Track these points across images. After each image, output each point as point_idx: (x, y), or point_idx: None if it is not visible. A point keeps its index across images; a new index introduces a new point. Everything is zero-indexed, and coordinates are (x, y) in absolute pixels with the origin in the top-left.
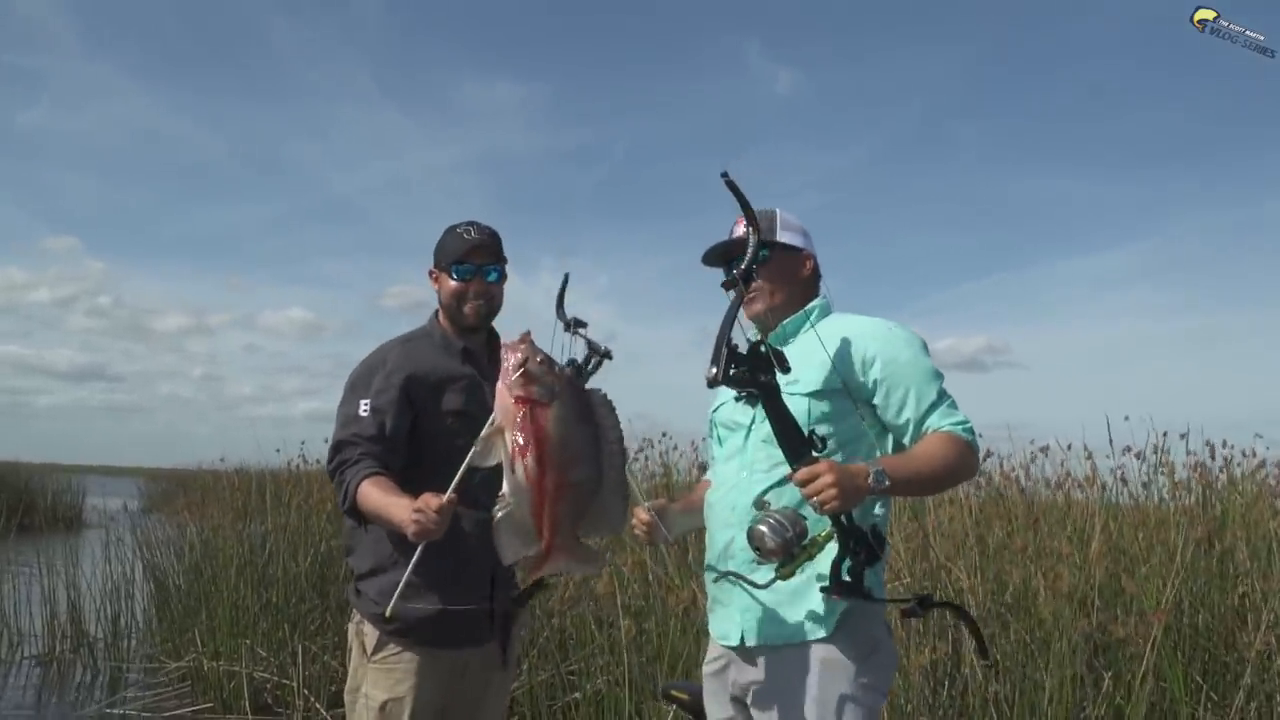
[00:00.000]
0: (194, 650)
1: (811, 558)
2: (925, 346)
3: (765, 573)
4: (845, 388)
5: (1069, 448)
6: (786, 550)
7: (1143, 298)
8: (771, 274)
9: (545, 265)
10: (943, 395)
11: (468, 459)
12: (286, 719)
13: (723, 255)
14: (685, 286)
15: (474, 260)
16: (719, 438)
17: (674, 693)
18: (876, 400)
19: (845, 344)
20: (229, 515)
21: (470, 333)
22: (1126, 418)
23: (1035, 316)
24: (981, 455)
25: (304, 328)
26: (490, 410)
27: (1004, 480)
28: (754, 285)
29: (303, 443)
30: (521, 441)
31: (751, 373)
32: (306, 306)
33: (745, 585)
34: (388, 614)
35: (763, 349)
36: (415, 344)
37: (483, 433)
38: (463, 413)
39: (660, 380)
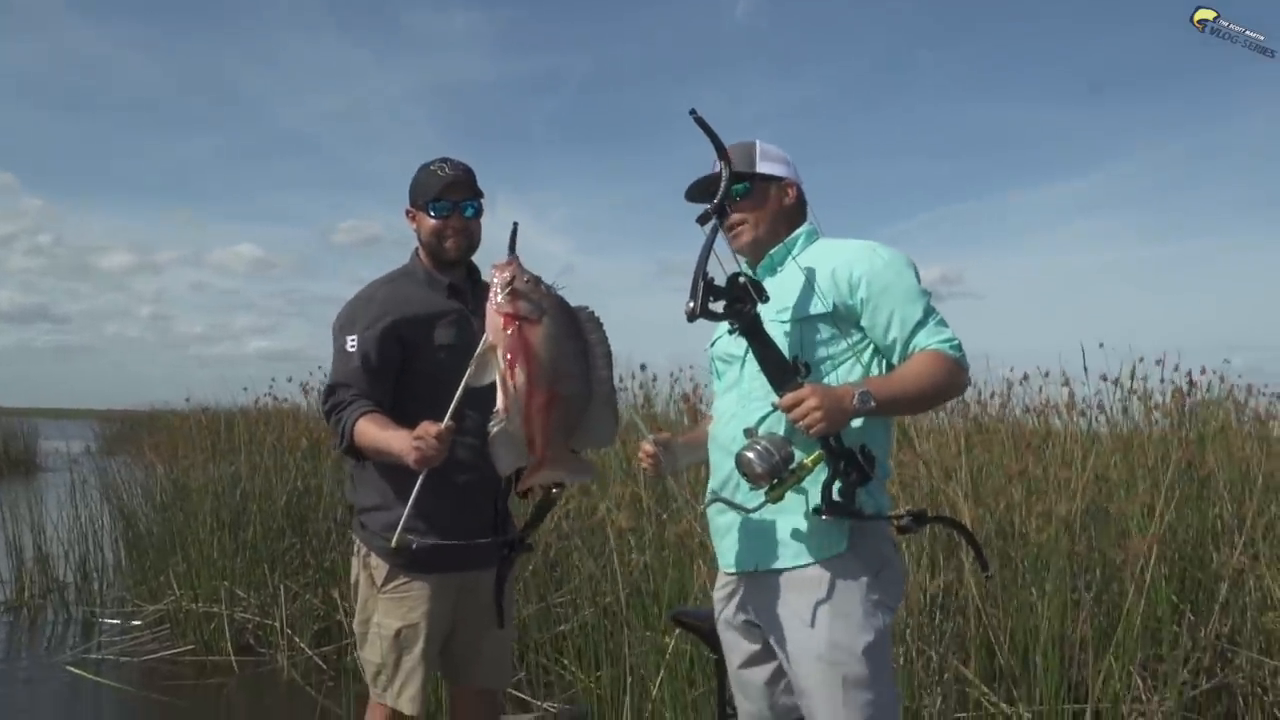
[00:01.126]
0: (171, 593)
1: (800, 480)
2: (911, 266)
3: (756, 497)
4: (834, 312)
5: (1046, 375)
6: (774, 474)
7: (1101, 226)
8: (754, 205)
9: (501, 199)
10: (929, 313)
11: (464, 379)
12: (270, 659)
13: (705, 190)
14: (644, 218)
15: (450, 197)
16: (717, 371)
17: (684, 619)
18: (864, 322)
19: (831, 268)
20: (200, 455)
21: (451, 268)
22: (1101, 345)
23: (992, 246)
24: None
25: (254, 264)
26: (479, 343)
27: (980, 409)
28: (737, 218)
29: (273, 380)
30: (511, 358)
31: (731, 304)
32: (256, 242)
33: (738, 509)
34: (394, 544)
35: (740, 279)
36: (400, 283)
37: (476, 351)
38: (453, 347)
39: (622, 314)
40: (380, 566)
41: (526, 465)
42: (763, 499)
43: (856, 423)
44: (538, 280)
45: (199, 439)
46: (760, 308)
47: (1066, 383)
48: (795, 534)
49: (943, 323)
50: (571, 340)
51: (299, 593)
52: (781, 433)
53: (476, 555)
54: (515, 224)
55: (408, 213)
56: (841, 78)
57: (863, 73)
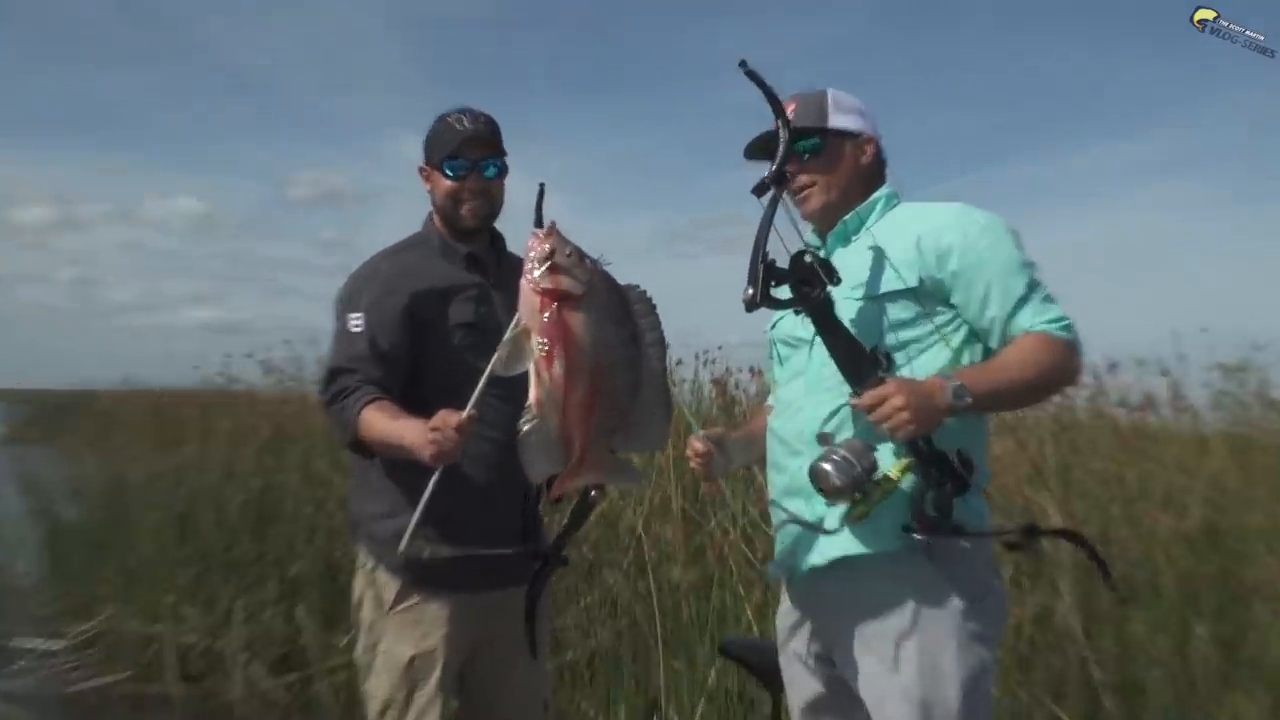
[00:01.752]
0: (102, 610)
1: (887, 494)
2: (1012, 232)
3: (834, 516)
4: (919, 288)
5: (1141, 364)
6: (856, 488)
7: (1182, 190)
8: (825, 165)
9: None
10: (1033, 288)
11: (489, 366)
12: (222, 689)
13: (768, 147)
14: (648, 174)
15: (469, 154)
16: (779, 356)
17: (737, 649)
18: (955, 299)
19: (915, 236)
20: (140, 445)
21: (470, 236)
22: (1204, 329)
23: (1054, 210)
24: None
25: (195, 221)
26: (502, 321)
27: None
28: (805, 179)
29: (227, 356)
30: (548, 344)
31: (796, 288)
32: (198, 195)
33: (810, 528)
34: (401, 549)
35: (806, 258)
36: (410, 253)
37: (507, 334)
38: (473, 325)
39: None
40: (390, 583)
41: (561, 470)
42: (842, 517)
43: (950, 421)
44: (582, 254)
45: (139, 426)
46: (836, 288)
47: (1165, 373)
48: (877, 551)
49: (1050, 299)
50: (619, 325)
51: (257, 611)
52: (854, 432)
53: (503, 569)
54: (542, 185)
55: (421, 170)
56: (879, 13)
57: (903, 8)
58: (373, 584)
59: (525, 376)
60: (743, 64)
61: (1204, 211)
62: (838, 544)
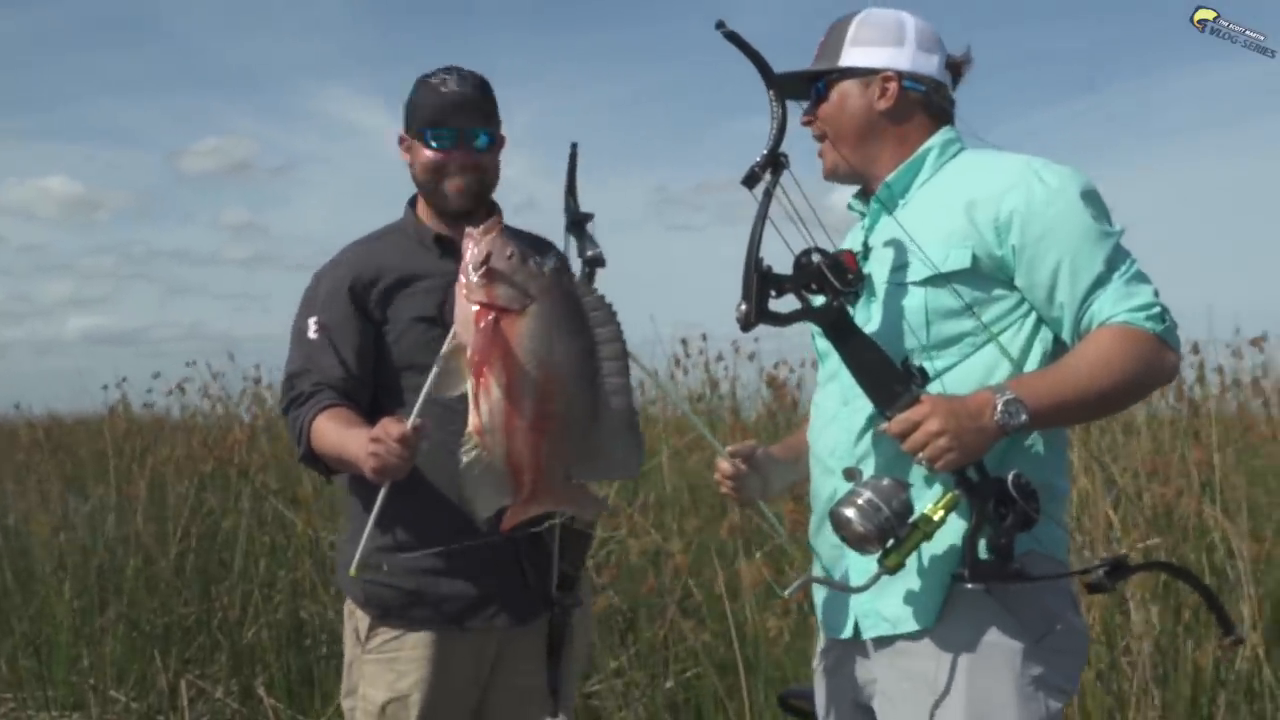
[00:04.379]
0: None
1: (928, 536)
2: (1090, 193)
3: (863, 567)
4: (974, 267)
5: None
6: (885, 536)
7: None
8: (832, 114)
9: None
10: (1115, 266)
11: (426, 385)
12: None
13: (798, 90)
14: (635, 127)
15: (455, 122)
16: (818, 352)
17: (794, 701)
18: (1019, 281)
19: (969, 200)
20: (42, 485)
21: (458, 218)
22: None
23: (1131, 154)
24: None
25: (70, 205)
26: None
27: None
28: (816, 134)
29: (156, 375)
30: (481, 363)
31: (802, 297)
32: (72, 174)
33: (835, 587)
34: (352, 571)
35: (814, 260)
36: (379, 241)
37: (441, 350)
38: (434, 320)
39: (612, 262)
40: (363, 617)
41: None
42: (875, 570)
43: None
44: (525, 256)
45: (33, 462)
46: (876, 268)
47: None
48: (921, 587)
49: (1138, 277)
50: (571, 338)
51: (205, 689)
52: (883, 455)
53: (504, 598)
54: (574, 146)
55: (401, 140)
56: None
57: None
58: (351, 616)
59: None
60: (720, 25)
61: None
62: (869, 616)
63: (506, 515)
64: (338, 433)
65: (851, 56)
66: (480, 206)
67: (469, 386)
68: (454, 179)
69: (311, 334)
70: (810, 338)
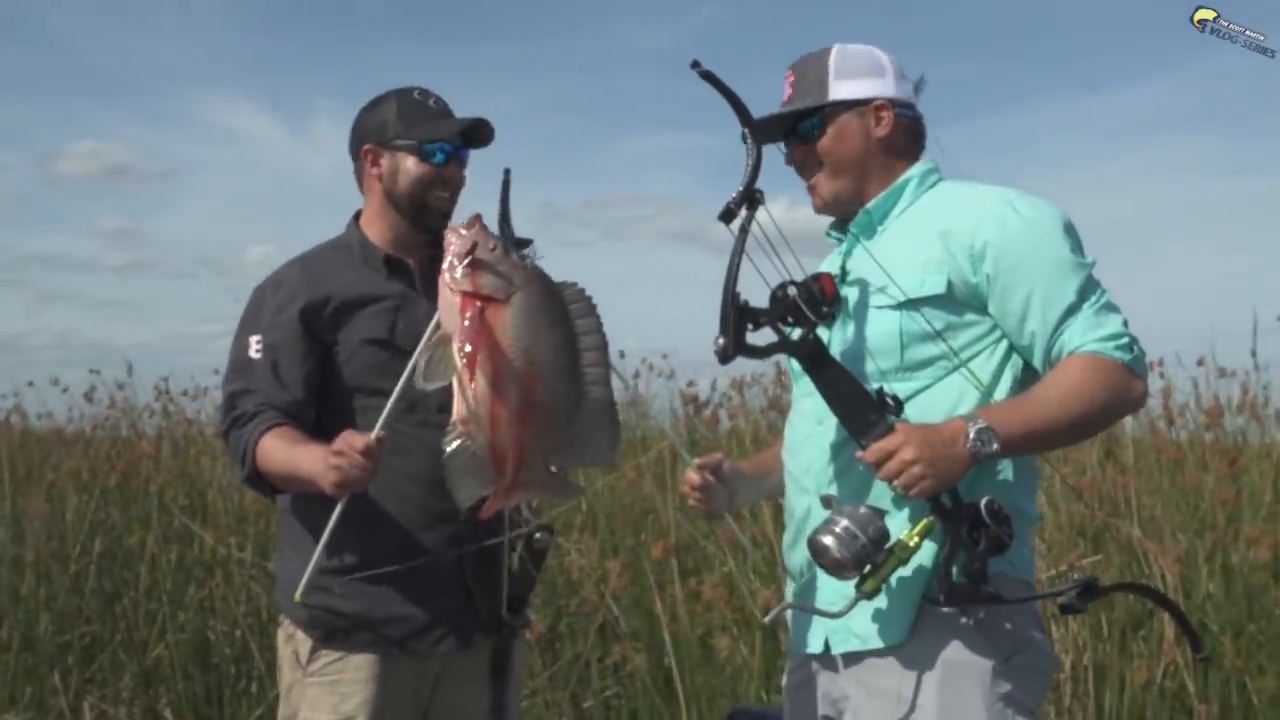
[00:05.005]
0: None
1: (904, 562)
2: (1064, 225)
3: (836, 584)
4: (949, 293)
5: (1200, 363)
6: (862, 562)
7: (1175, 150)
8: (830, 148)
9: (322, 108)
10: (1085, 295)
11: (403, 377)
12: None
13: (779, 130)
14: (529, 140)
15: (454, 139)
16: (793, 371)
17: None
18: (992, 309)
19: (945, 229)
20: None
21: (430, 231)
22: None
23: (1023, 176)
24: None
25: None
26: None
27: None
28: (809, 170)
29: (28, 384)
30: (470, 351)
31: (778, 330)
32: None
33: (813, 613)
34: (297, 597)
35: (790, 292)
36: (321, 260)
37: (424, 340)
38: (386, 342)
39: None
40: (304, 640)
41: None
42: (853, 595)
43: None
44: (508, 248)
45: None
46: (851, 291)
47: (1224, 374)
48: (893, 604)
49: (1108, 308)
50: (553, 328)
51: (108, 710)
52: (866, 493)
53: (450, 620)
54: (507, 171)
55: (366, 152)
56: None
57: None
58: (290, 640)
59: (448, 401)
60: (695, 65)
61: (1192, 174)
62: (839, 632)
63: (487, 503)
64: (287, 451)
65: (841, 90)
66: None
67: (455, 376)
68: (440, 193)
69: (253, 353)
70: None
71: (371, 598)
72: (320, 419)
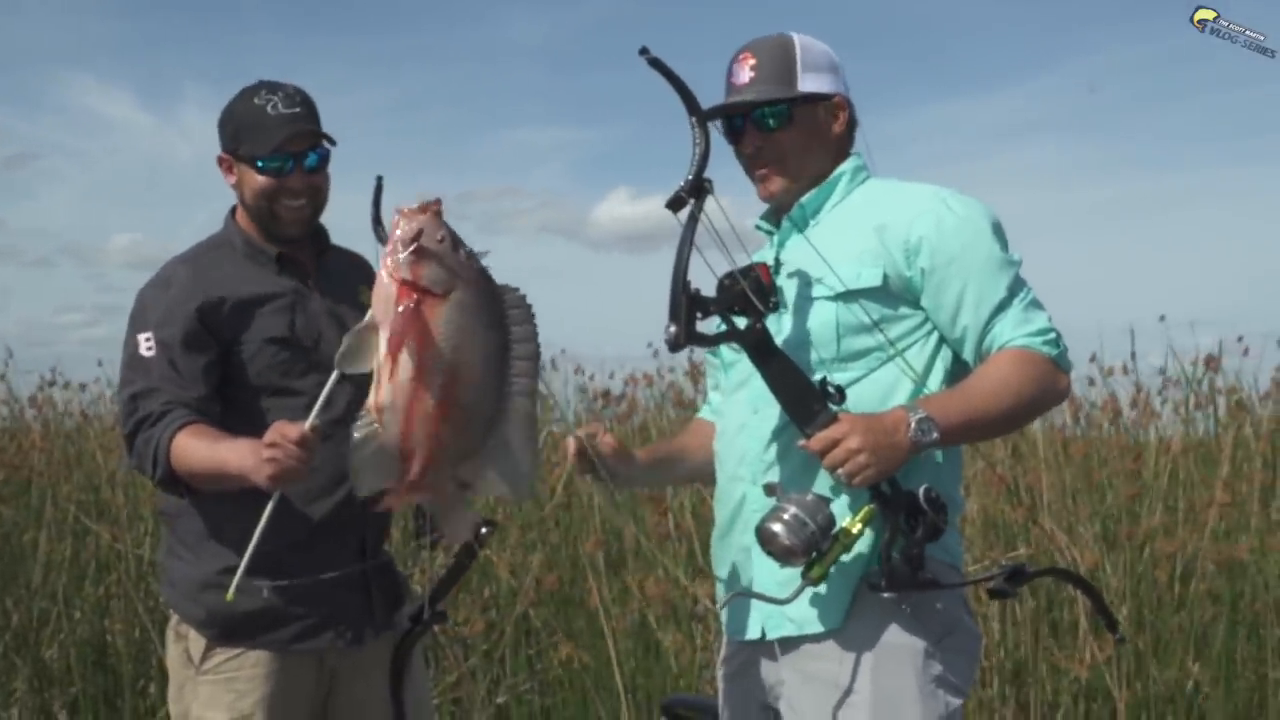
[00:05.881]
0: None
1: (847, 549)
2: (994, 224)
3: (771, 572)
4: (884, 286)
5: (1092, 360)
6: (810, 549)
7: (1042, 155)
8: (796, 141)
9: (190, 94)
10: (1015, 292)
11: (337, 365)
12: None
13: (729, 111)
14: (406, 133)
15: (287, 147)
16: (723, 362)
17: (680, 710)
18: (925, 302)
19: (880, 224)
20: None
21: (290, 241)
22: (1163, 318)
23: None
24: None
25: None
26: (323, 333)
27: None
28: (767, 158)
29: None
30: (396, 340)
31: (726, 319)
32: None
33: (761, 599)
34: (229, 597)
35: (738, 284)
36: (208, 258)
37: (354, 327)
38: (285, 341)
39: None
40: (196, 638)
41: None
42: (799, 583)
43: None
44: (456, 241)
45: None
46: (788, 283)
47: (1110, 371)
48: (828, 591)
49: (1035, 304)
50: (487, 331)
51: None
52: (808, 481)
53: (348, 617)
54: (379, 179)
55: (221, 160)
56: None
57: None
58: (180, 638)
59: (357, 401)
60: (644, 51)
61: (1058, 180)
62: (774, 617)
63: (386, 498)
64: (208, 448)
65: (808, 83)
66: (313, 227)
67: (376, 363)
68: (289, 203)
69: (144, 351)
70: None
71: (269, 597)
72: (226, 422)
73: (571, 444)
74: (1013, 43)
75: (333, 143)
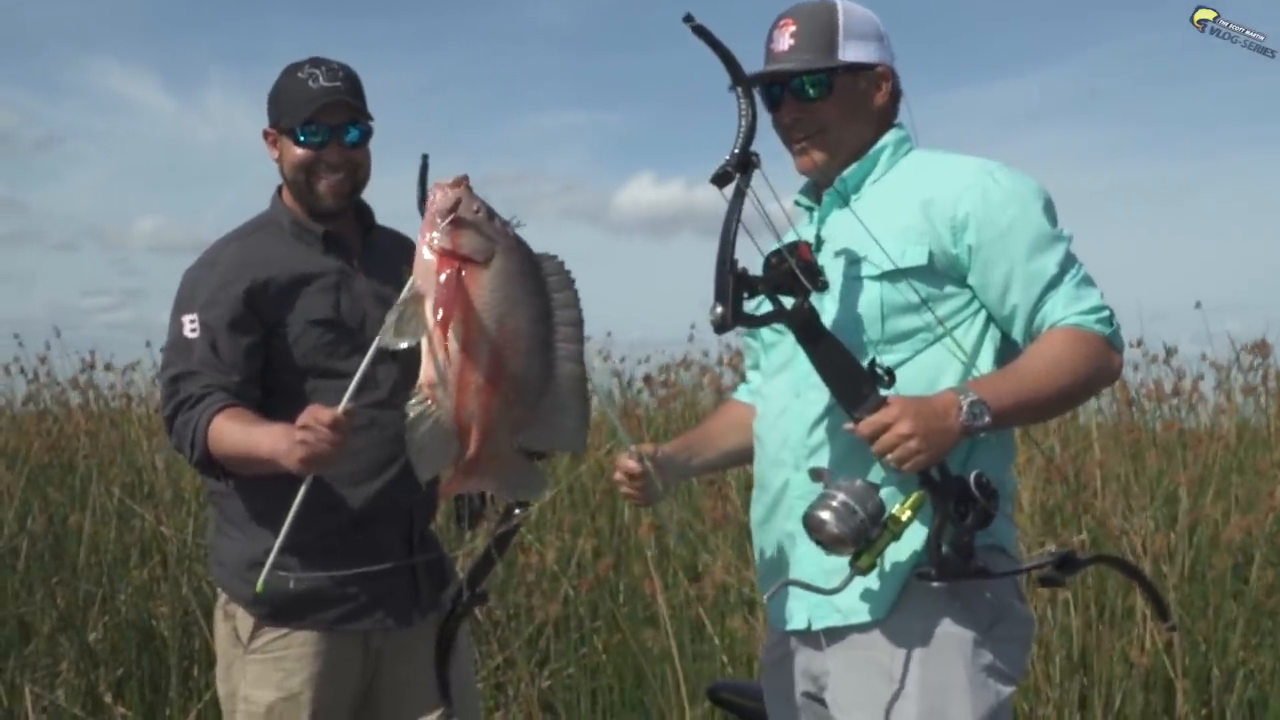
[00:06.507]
0: None
1: (896, 537)
2: (1043, 198)
3: (833, 569)
4: (930, 265)
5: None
6: (859, 538)
7: (1060, 139)
8: (836, 113)
9: (213, 77)
10: (1065, 269)
11: (375, 342)
12: None
13: (769, 80)
14: (429, 116)
15: (326, 119)
16: (763, 343)
17: (726, 695)
18: (972, 280)
19: (925, 199)
20: None
21: (330, 216)
22: (1199, 304)
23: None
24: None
25: None
26: (369, 314)
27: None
28: (808, 130)
29: None
30: (445, 313)
31: (774, 298)
32: None
33: (808, 589)
34: (259, 589)
35: (785, 257)
36: (255, 238)
37: (399, 299)
38: (331, 322)
39: None
40: (245, 616)
41: (454, 467)
42: (847, 572)
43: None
44: (491, 212)
45: None
46: (832, 262)
47: (1167, 358)
48: (875, 578)
49: (1087, 281)
50: (530, 299)
51: (39, 693)
52: (840, 443)
53: (392, 598)
54: (425, 157)
55: (267, 135)
56: None
57: None
58: (229, 617)
59: (402, 381)
60: (688, 19)
61: (1077, 163)
62: (821, 607)
63: (447, 483)
64: (243, 431)
65: (850, 52)
66: (353, 201)
67: (425, 337)
68: (327, 177)
69: (189, 333)
70: (747, 332)
71: (320, 578)
72: (270, 405)
73: (629, 463)
74: (1033, 29)
75: (370, 119)
